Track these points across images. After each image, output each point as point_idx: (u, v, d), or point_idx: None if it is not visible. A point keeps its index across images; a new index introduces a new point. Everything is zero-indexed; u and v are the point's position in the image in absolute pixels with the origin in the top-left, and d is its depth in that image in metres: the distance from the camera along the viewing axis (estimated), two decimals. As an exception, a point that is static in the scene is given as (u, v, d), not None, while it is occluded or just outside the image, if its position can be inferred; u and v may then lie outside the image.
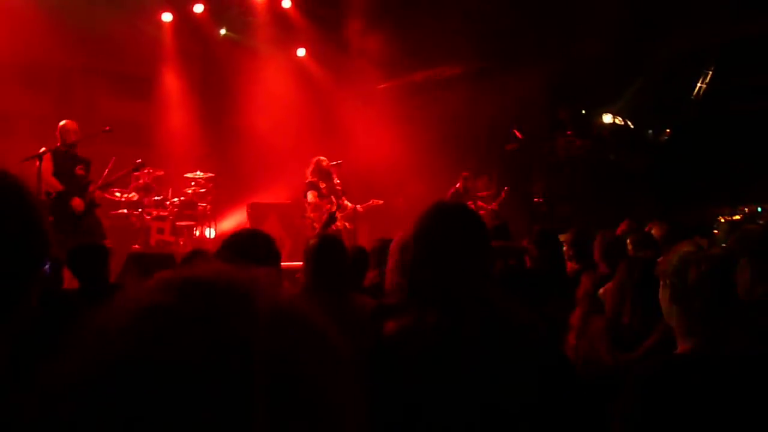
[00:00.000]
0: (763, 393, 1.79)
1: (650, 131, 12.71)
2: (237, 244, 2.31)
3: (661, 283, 2.03)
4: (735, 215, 11.92)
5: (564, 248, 6.15)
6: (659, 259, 2.24)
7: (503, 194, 11.03)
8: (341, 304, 3.09)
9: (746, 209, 11.91)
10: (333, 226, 8.69)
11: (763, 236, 3.16)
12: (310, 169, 9.10)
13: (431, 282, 1.86)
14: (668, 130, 12.46)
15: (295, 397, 0.62)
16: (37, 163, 6.86)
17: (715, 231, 11.11)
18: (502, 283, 3.27)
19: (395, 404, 1.68)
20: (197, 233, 10.86)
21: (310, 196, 8.91)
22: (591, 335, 2.81)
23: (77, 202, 7.20)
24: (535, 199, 12.04)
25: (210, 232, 11.15)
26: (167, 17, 11.83)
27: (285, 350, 0.63)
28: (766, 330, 2.37)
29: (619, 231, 8.18)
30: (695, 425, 1.78)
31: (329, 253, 3.32)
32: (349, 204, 9.44)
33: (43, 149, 6.97)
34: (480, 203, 11.07)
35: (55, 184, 7.10)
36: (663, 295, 2.01)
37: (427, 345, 1.77)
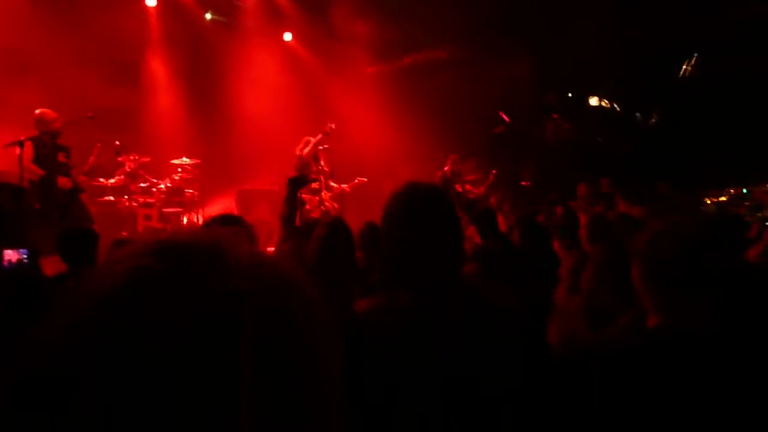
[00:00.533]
0: (723, 366, 1.81)
1: (638, 114, 12.73)
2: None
3: (634, 260, 2.04)
4: (721, 197, 11.99)
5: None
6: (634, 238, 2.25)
7: (491, 178, 11.03)
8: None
9: (732, 191, 11.98)
10: (321, 207, 8.72)
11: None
12: (300, 147, 9.15)
13: (401, 262, 1.86)
14: (655, 113, 12.48)
15: (281, 355, 0.63)
16: (18, 150, 6.81)
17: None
18: (481, 263, 3.28)
19: (369, 384, 1.69)
20: (185, 220, 10.83)
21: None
22: (569, 314, 2.83)
23: (63, 180, 7.18)
24: (523, 183, 12.06)
25: (198, 219, 11.12)
26: (151, 2, 11.73)
27: (269, 303, 0.64)
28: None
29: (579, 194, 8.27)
30: (666, 399, 1.80)
31: (337, 240, 3.29)
32: (335, 185, 9.49)
33: (23, 138, 6.92)
34: (468, 186, 11.08)
35: (35, 170, 7.06)
36: (634, 271, 2.03)
37: (399, 324, 1.77)
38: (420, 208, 1.92)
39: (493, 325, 1.82)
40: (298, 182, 3.48)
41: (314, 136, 9.14)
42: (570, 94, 11.98)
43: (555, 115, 11.76)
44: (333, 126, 9.13)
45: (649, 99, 12.29)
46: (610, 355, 1.95)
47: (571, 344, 2.60)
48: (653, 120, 12.64)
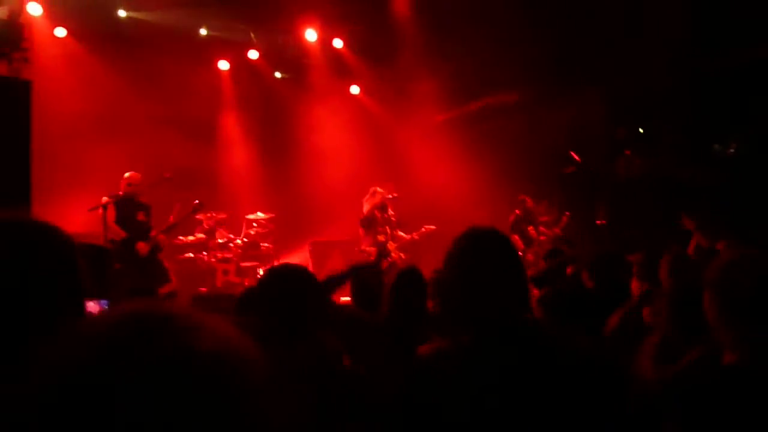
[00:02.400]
0: None
1: (716, 145, 12.31)
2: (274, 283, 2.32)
3: (707, 292, 1.96)
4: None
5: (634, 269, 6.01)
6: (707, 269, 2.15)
7: (565, 219, 10.83)
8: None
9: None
10: (388, 259, 8.73)
11: None
12: (367, 198, 9.25)
13: (461, 305, 1.86)
14: (734, 143, 12.04)
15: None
16: (101, 211, 7.15)
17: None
18: (551, 307, 3.21)
19: (429, 425, 1.68)
20: (262, 273, 11.04)
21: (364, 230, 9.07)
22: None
23: (141, 245, 7.46)
24: (598, 222, 11.77)
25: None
26: (224, 65, 12.24)
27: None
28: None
29: (690, 249, 7.94)
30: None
31: (406, 287, 3.32)
32: (404, 235, 9.49)
33: (105, 199, 7.27)
34: (541, 228, 10.91)
35: (118, 231, 7.38)
36: (709, 304, 1.94)
37: (457, 368, 1.77)
38: (480, 252, 1.93)
39: (557, 371, 1.77)
40: (359, 271, 3.54)
41: (381, 188, 9.21)
42: (641, 129, 11.71)
43: (627, 151, 11.51)
44: (396, 195, 9.22)
45: (727, 128, 11.87)
46: (680, 392, 1.86)
47: (640, 381, 2.50)
48: (732, 150, 12.18)
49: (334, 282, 3.39)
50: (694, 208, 8.11)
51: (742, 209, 10.32)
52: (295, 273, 2.33)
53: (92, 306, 4.15)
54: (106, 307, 4.26)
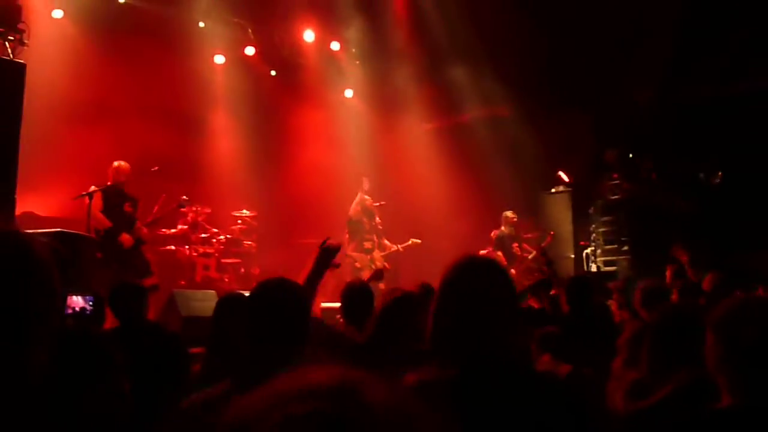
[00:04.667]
0: None
1: (701, 174, 12.43)
2: (265, 296, 2.30)
3: (711, 334, 1.98)
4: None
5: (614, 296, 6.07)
6: (712, 310, 2.18)
7: (549, 238, 10.88)
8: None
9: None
10: (372, 266, 8.73)
11: None
12: (356, 204, 9.25)
13: (452, 336, 1.85)
14: (720, 172, 12.16)
15: None
16: (87, 200, 7.08)
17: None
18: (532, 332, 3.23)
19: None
20: (242, 271, 11.00)
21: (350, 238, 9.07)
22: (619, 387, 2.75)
23: (126, 238, 7.40)
24: (581, 243, 11.84)
25: (254, 270, 11.27)
26: (219, 59, 12.18)
27: None
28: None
29: (668, 278, 8.01)
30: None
31: (399, 313, 3.27)
32: (389, 244, 9.49)
33: (93, 188, 7.20)
34: (525, 245, 10.95)
35: (103, 221, 7.30)
36: (713, 347, 1.95)
37: (446, 399, 1.75)
38: (473, 283, 1.91)
39: (537, 403, 1.78)
40: (330, 252, 3.36)
41: (368, 195, 9.22)
42: (631, 155, 11.81)
43: (615, 175, 11.60)
44: (366, 180, 9.20)
45: (712, 156, 11.99)
46: (681, 426, 1.88)
47: (611, 414, 2.52)
48: (717, 180, 12.30)
49: (313, 279, 3.26)
50: (687, 240, 8.20)
51: (726, 237, 10.44)
52: (288, 288, 2.31)
53: (76, 301, 4.13)
54: (91, 303, 4.23)
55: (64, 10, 10.35)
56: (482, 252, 10.44)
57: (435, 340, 1.89)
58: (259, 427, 0.65)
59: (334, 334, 3.51)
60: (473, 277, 1.90)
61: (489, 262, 2.01)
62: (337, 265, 3.64)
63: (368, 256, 9.06)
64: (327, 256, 3.25)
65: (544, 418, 1.75)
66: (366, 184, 9.16)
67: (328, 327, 3.68)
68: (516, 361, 1.85)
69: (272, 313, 2.19)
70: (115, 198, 7.49)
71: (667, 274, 7.28)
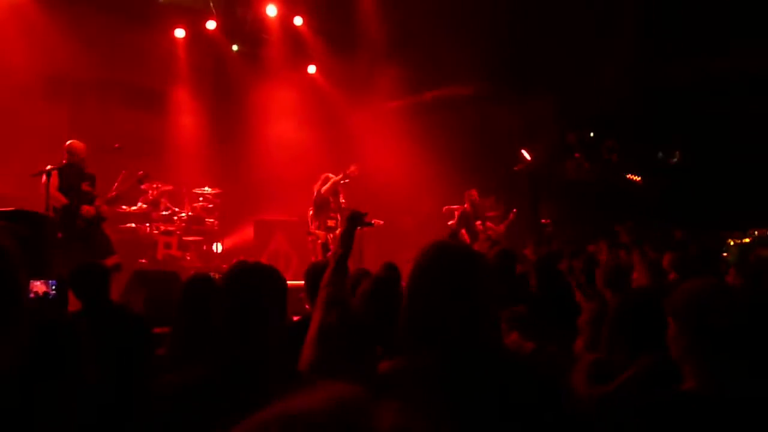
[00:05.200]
0: None
1: (660, 153, 12.67)
2: (241, 278, 2.27)
3: (673, 321, 2.00)
4: (745, 238, 11.83)
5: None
6: (671, 295, 2.20)
7: (512, 216, 10.99)
8: None
9: (756, 232, 11.81)
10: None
11: None
12: (319, 183, 9.20)
13: (424, 322, 1.85)
14: (678, 152, 12.42)
15: None
16: (44, 178, 6.92)
17: (725, 254, 11.04)
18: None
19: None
20: (204, 248, 10.91)
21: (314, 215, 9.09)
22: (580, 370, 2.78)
23: (87, 209, 7.25)
24: (543, 221, 12.00)
25: (217, 248, 11.18)
26: (180, 33, 11.94)
27: None
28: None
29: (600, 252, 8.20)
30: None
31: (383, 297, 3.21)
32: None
33: (49, 167, 7.03)
34: (488, 224, 11.05)
35: (60, 199, 7.14)
36: (676, 333, 1.98)
37: (419, 386, 1.76)
38: (447, 269, 1.88)
39: (509, 390, 1.80)
40: (357, 219, 3.26)
41: (335, 174, 9.17)
42: (592, 134, 11.96)
43: (576, 155, 11.75)
44: (354, 169, 9.16)
45: (671, 138, 12.23)
46: (641, 409, 1.91)
47: (573, 401, 2.55)
48: (675, 159, 12.55)
49: (345, 246, 3.15)
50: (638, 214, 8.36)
51: (681, 215, 10.69)
52: (264, 272, 2.29)
53: (38, 286, 4.05)
54: (54, 287, 4.15)
55: (17, -19, 10.03)
56: (449, 224, 10.52)
57: (408, 327, 1.88)
58: None
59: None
60: (445, 264, 1.89)
61: (461, 248, 2.00)
62: (370, 223, 3.53)
63: (331, 234, 9.04)
64: (354, 225, 3.19)
65: (520, 403, 1.77)
66: (355, 172, 9.11)
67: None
68: (491, 346, 1.86)
69: (249, 297, 2.17)
70: (72, 177, 7.32)
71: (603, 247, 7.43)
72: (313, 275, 3.88)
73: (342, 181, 9.15)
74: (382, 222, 9.83)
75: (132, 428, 2.39)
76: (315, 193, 9.27)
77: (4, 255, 1.40)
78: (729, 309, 1.89)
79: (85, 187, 7.39)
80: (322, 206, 9.22)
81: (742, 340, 1.88)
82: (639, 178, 11.89)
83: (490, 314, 1.90)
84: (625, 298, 3.03)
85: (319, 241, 9.04)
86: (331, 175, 9.21)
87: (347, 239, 3.09)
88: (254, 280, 2.21)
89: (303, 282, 4.14)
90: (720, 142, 11.47)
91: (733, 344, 1.88)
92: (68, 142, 7.53)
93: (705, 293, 1.96)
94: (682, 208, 11.30)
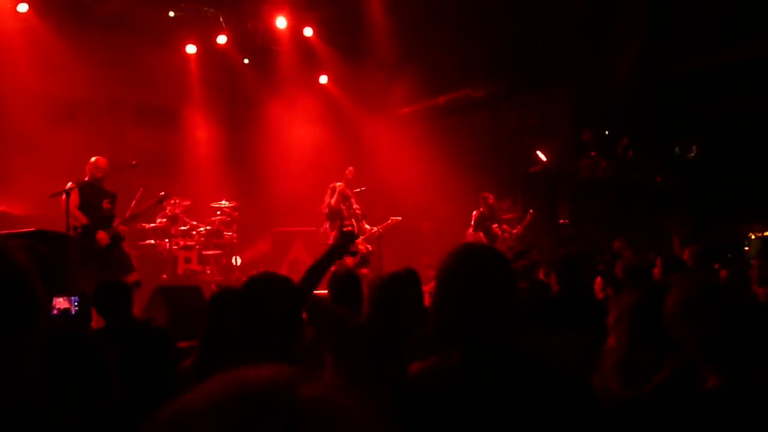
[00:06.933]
0: None
1: (677, 148, 12.56)
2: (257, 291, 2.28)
3: (677, 322, 1.99)
4: (766, 231, 11.70)
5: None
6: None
7: (529, 217, 10.92)
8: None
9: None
10: (354, 248, 8.75)
11: None
12: (327, 194, 9.25)
13: (453, 324, 1.85)
14: (695, 147, 12.30)
15: None
16: (64, 197, 6.97)
17: (746, 248, 10.94)
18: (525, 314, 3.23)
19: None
20: (224, 262, 10.95)
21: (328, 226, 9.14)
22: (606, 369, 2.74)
23: (101, 236, 7.27)
24: (561, 221, 11.92)
25: (236, 261, 11.23)
26: (191, 49, 12.03)
27: None
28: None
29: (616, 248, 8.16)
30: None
31: (394, 291, 3.22)
32: (368, 227, 9.53)
33: (70, 184, 7.09)
34: (504, 226, 11.00)
35: (80, 218, 7.17)
36: (683, 341, 1.97)
37: (448, 386, 1.77)
38: (474, 270, 1.89)
39: (540, 389, 1.79)
40: (348, 239, 3.32)
41: (338, 182, 9.23)
42: (607, 132, 11.88)
43: (592, 153, 11.67)
44: (351, 169, 9.20)
45: (688, 132, 12.11)
46: (663, 413, 1.89)
47: (609, 399, 2.52)
48: (693, 154, 12.43)
49: (317, 272, 3.22)
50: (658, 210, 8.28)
51: (701, 210, 10.58)
52: (281, 283, 2.30)
53: (61, 302, 4.09)
54: (76, 303, 4.19)
55: (29, 4, 10.14)
56: (470, 233, 10.50)
57: (437, 328, 1.89)
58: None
59: (338, 317, 3.44)
60: (473, 265, 1.90)
61: (488, 249, 2.01)
62: (355, 253, 3.62)
63: (351, 241, 9.06)
64: (344, 241, 3.24)
65: (547, 402, 1.76)
66: (350, 174, 9.16)
67: (334, 309, 3.59)
68: (519, 346, 1.86)
69: (265, 309, 2.18)
70: (92, 194, 7.36)
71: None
72: (336, 283, 3.91)
73: (351, 189, 9.20)
74: (399, 218, 9.86)
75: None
76: (326, 207, 9.32)
77: (20, 269, 1.40)
78: (723, 310, 1.87)
79: (105, 204, 7.43)
80: (336, 216, 9.26)
81: (740, 338, 1.87)
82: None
83: (517, 314, 1.90)
84: (641, 295, 3.00)
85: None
86: (338, 184, 9.28)
87: (331, 258, 3.15)
88: (269, 289, 2.22)
89: (326, 291, 4.17)
90: (737, 135, 11.35)
91: (734, 340, 1.86)
92: (92, 159, 7.57)
93: (696, 295, 1.95)
94: (701, 203, 11.19)
